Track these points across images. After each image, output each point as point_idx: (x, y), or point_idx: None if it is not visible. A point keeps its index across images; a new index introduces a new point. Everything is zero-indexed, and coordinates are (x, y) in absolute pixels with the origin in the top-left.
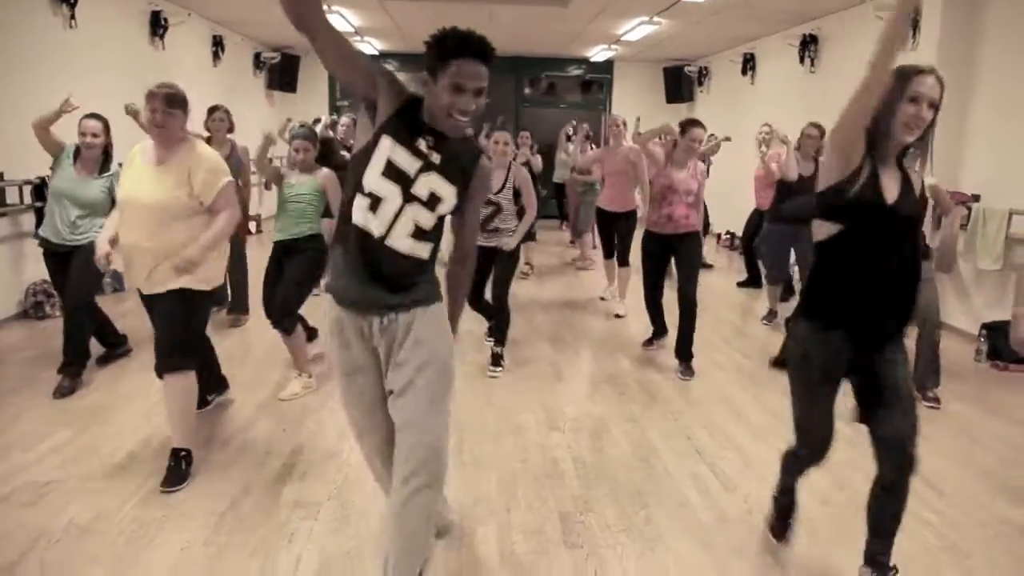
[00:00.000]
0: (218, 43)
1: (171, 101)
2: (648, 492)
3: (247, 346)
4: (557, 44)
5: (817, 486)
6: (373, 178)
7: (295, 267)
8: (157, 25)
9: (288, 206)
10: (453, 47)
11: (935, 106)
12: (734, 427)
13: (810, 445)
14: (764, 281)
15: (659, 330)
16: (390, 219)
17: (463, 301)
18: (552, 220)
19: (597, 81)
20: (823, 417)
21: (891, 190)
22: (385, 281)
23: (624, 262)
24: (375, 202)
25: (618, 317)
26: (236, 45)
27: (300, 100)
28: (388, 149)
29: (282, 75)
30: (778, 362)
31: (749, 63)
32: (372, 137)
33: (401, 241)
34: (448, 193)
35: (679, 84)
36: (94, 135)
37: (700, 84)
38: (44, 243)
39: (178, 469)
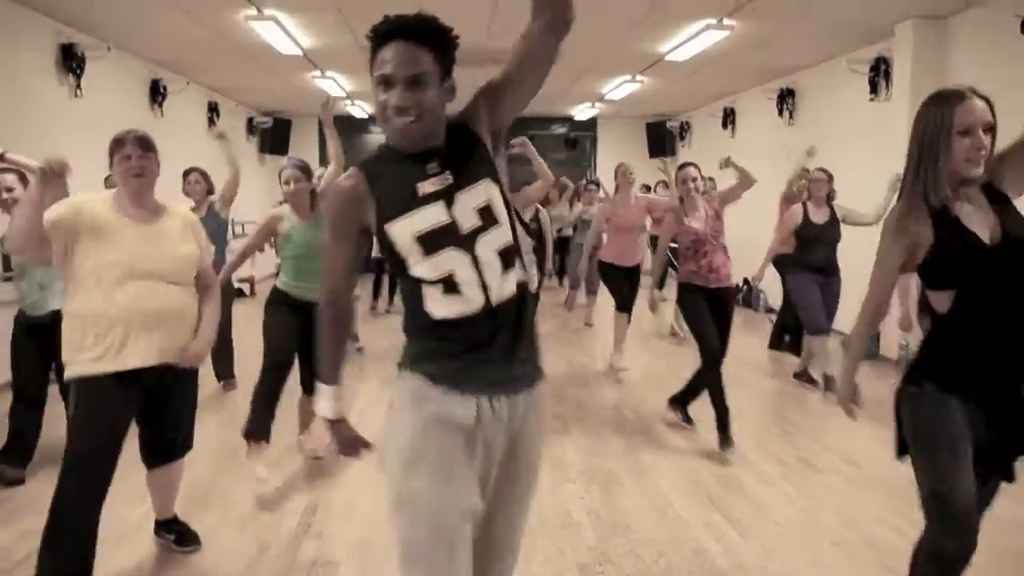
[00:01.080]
0: (213, 109)
1: (146, 144)
2: (664, 541)
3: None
4: (542, 103)
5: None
6: (423, 266)
7: None
8: (156, 92)
9: (301, 263)
10: (374, 37)
11: (992, 128)
12: (742, 473)
13: (959, 530)
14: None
15: (723, 415)
16: (476, 279)
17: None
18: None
19: (581, 138)
20: (968, 492)
21: (984, 229)
22: (510, 347)
23: (627, 310)
24: (448, 282)
25: (621, 370)
26: (230, 111)
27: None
28: (404, 228)
29: (274, 138)
30: (800, 375)
31: (729, 117)
32: (381, 237)
33: (504, 286)
34: (489, 191)
35: (661, 139)
36: (8, 189)
37: (682, 138)
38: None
39: (189, 529)
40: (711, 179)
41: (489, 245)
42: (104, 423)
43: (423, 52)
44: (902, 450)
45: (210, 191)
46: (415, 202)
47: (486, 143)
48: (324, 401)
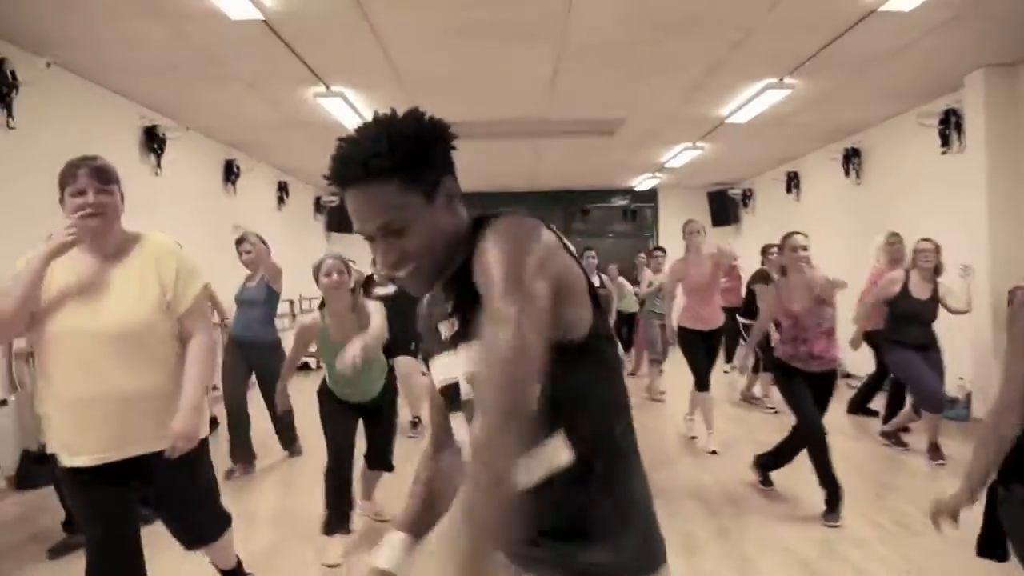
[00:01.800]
0: (283, 188)
1: (104, 175)
2: None
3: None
4: (602, 176)
5: None
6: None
7: (382, 420)
8: (230, 172)
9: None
10: (330, 182)
11: None
12: (835, 537)
13: None
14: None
15: (834, 492)
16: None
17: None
18: None
19: (642, 209)
20: None
21: None
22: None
23: (706, 386)
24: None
25: (714, 454)
26: (299, 190)
27: (357, 240)
28: (434, 373)
29: (341, 217)
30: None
31: (793, 181)
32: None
33: (526, 475)
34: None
35: (724, 207)
36: None
37: (745, 205)
38: None
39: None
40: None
41: None
42: (96, 516)
43: (384, 189)
44: (984, 548)
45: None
46: (440, 344)
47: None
48: (387, 549)
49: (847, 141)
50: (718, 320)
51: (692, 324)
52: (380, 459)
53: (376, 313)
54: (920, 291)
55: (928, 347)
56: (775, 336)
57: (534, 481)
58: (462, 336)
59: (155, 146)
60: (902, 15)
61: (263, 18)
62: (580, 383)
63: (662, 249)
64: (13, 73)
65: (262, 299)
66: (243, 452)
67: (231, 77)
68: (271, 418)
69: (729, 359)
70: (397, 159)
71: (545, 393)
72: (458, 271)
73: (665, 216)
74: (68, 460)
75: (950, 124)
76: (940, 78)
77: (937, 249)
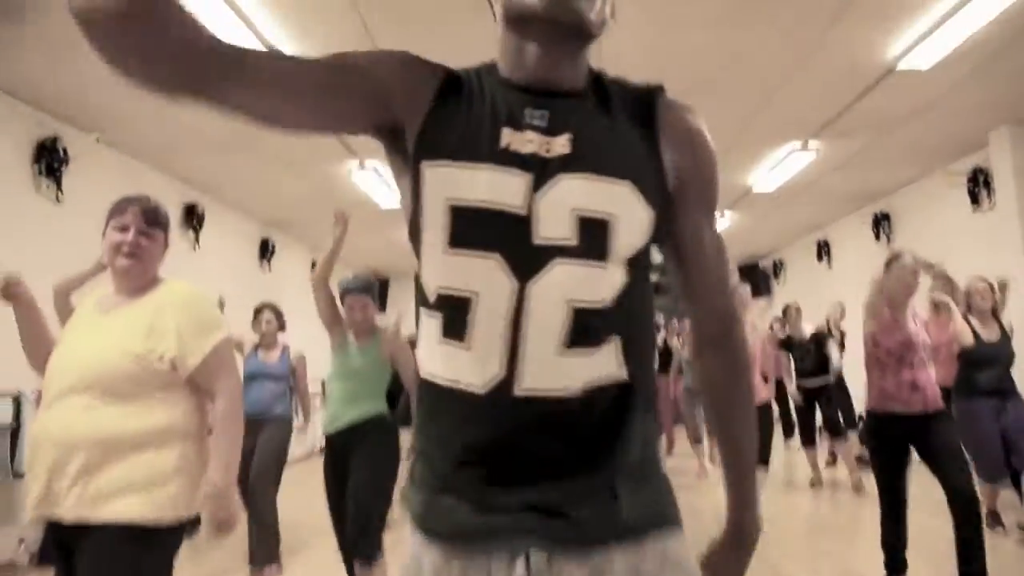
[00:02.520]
0: (315, 266)
1: (152, 217)
2: None
3: None
4: None
5: None
6: (436, 261)
7: (364, 464)
8: (266, 249)
9: (342, 384)
10: None
11: None
12: None
13: None
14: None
15: (898, 566)
16: (502, 335)
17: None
18: None
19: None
20: None
21: None
22: (537, 475)
23: (765, 459)
24: (457, 311)
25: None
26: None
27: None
28: (445, 181)
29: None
30: None
31: (824, 249)
32: (413, 173)
33: (548, 371)
34: (623, 199)
35: (755, 280)
36: None
37: (776, 277)
38: None
39: None
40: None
41: (562, 287)
42: None
43: None
44: None
45: (281, 328)
46: (487, 151)
47: (662, 157)
48: None
49: (876, 205)
50: (762, 394)
51: None
52: (355, 535)
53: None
54: (988, 334)
55: (1007, 394)
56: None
57: (576, 390)
58: (568, 164)
59: (194, 222)
60: (920, 74)
61: None
62: (645, 296)
63: None
64: (65, 150)
65: (281, 374)
66: (266, 551)
67: (270, 154)
68: (248, 516)
69: (788, 434)
70: None
71: (617, 292)
72: (594, 94)
73: None
74: (34, 512)
75: (978, 182)
76: (964, 136)
77: (992, 288)
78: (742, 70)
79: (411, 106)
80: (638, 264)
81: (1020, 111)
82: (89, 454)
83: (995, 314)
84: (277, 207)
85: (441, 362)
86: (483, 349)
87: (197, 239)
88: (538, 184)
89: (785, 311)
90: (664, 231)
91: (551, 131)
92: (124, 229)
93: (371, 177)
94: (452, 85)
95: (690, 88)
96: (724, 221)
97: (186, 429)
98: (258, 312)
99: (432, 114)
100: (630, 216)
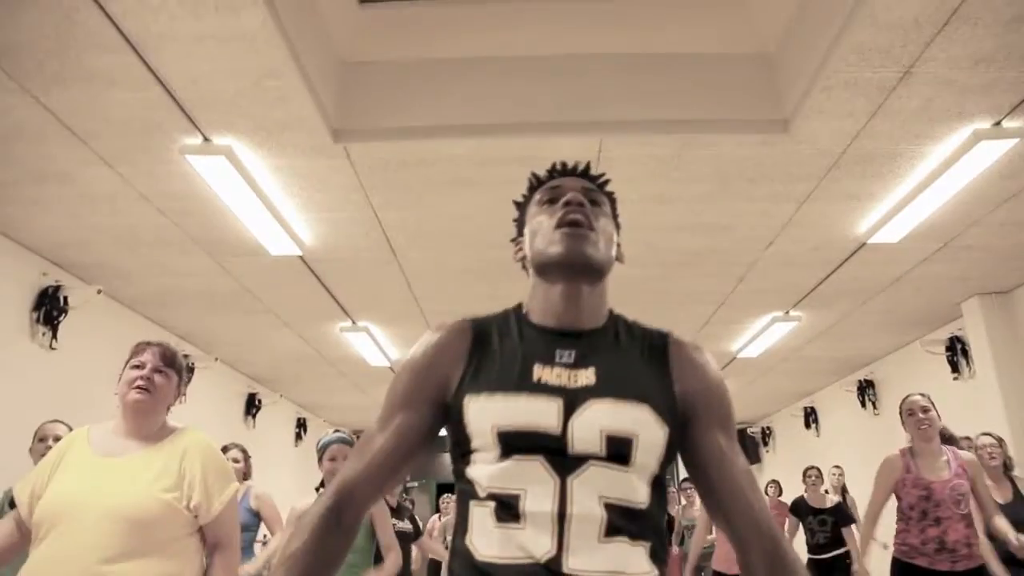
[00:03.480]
0: (301, 425)
1: (169, 359)
2: None
3: None
4: None
5: None
6: (485, 470)
7: None
8: (251, 405)
9: None
10: (541, 177)
11: None
12: None
13: None
14: None
15: None
16: (551, 514)
17: None
18: None
19: None
20: None
21: None
22: None
23: None
24: (507, 503)
25: None
26: (317, 427)
27: None
28: (488, 411)
29: None
30: None
31: (811, 416)
32: (454, 412)
33: (595, 555)
34: (643, 421)
35: (744, 446)
36: (56, 438)
37: (765, 444)
38: None
39: None
40: (837, 467)
41: (595, 485)
42: None
43: (600, 193)
44: None
45: (247, 475)
46: (521, 384)
47: (674, 377)
48: None
49: (860, 373)
50: None
51: (727, 568)
52: None
53: (393, 550)
54: (998, 494)
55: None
56: (867, 532)
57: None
58: (593, 393)
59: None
60: (891, 247)
61: (300, 254)
62: (662, 507)
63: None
64: (66, 299)
65: (243, 520)
66: None
67: (263, 310)
68: None
69: None
70: (611, 193)
71: (647, 502)
72: (610, 334)
73: None
74: None
75: (956, 351)
76: (939, 306)
77: (1001, 443)
78: (723, 243)
79: (452, 378)
80: (659, 483)
81: (989, 282)
82: None
83: (1007, 473)
84: (266, 362)
85: (494, 543)
86: (533, 531)
87: (183, 392)
88: (569, 408)
89: (805, 474)
90: (686, 448)
91: (576, 366)
92: (140, 367)
93: (362, 336)
94: (481, 336)
95: (675, 260)
96: None
97: None
98: (224, 451)
99: (470, 364)
100: (648, 433)
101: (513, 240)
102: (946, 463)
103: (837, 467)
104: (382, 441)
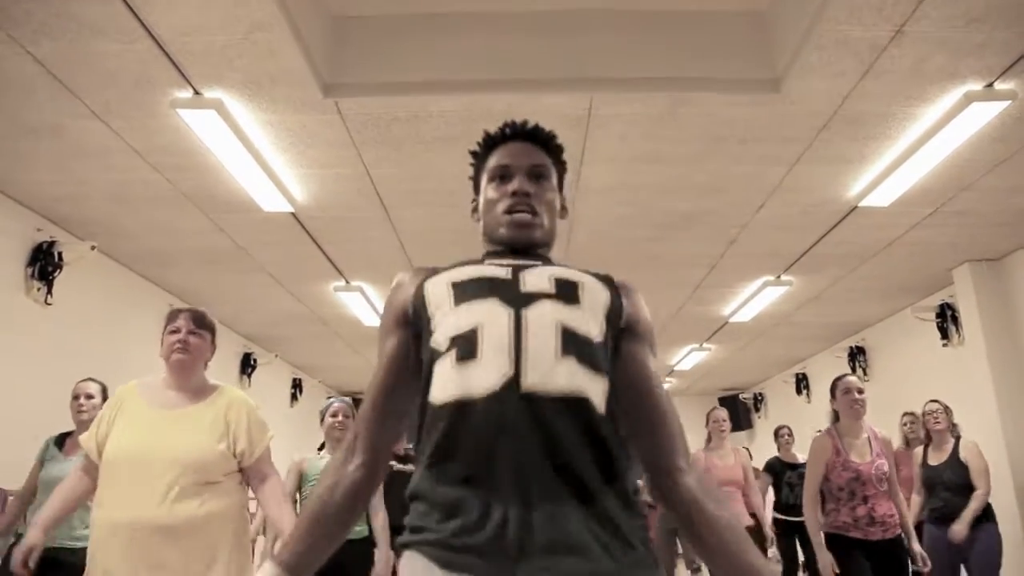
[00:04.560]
0: (297, 385)
1: (199, 320)
2: None
3: None
4: None
5: None
6: (445, 323)
7: None
8: (247, 364)
9: None
10: (487, 140)
11: None
12: None
13: None
14: None
15: None
16: (508, 340)
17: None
18: None
19: None
20: None
21: None
22: (554, 484)
23: None
24: (465, 341)
25: None
26: (312, 387)
27: None
28: (445, 277)
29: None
30: None
31: (802, 382)
32: (417, 296)
33: (556, 372)
34: (587, 280)
35: (736, 412)
36: (88, 396)
37: (757, 410)
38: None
39: None
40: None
41: (550, 314)
42: None
43: (542, 152)
44: None
45: None
46: (473, 264)
47: (620, 305)
48: None
49: (852, 339)
50: (743, 521)
51: None
52: None
53: (380, 511)
54: (936, 456)
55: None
56: (811, 515)
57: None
58: (555, 295)
59: None
60: (882, 210)
61: (292, 210)
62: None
63: None
64: (60, 255)
65: None
66: None
67: (257, 268)
68: None
69: None
70: (556, 148)
71: (601, 336)
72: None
73: None
74: None
75: (946, 318)
76: (930, 273)
77: (947, 410)
78: (714, 205)
79: (414, 287)
80: (606, 338)
81: (980, 249)
82: (182, 534)
83: (951, 435)
84: (261, 322)
85: (453, 383)
86: (493, 357)
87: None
88: (518, 271)
89: (777, 433)
90: (617, 359)
91: (524, 267)
92: (177, 331)
93: (356, 296)
94: (437, 269)
95: (665, 221)
96: (705, 352)
97: (240, 509)
98: None
99: (430, 273)
100: (592, 286)
101: (472, 202)
102: (867, 441)
103: (819, 430)
104: (380, 375)
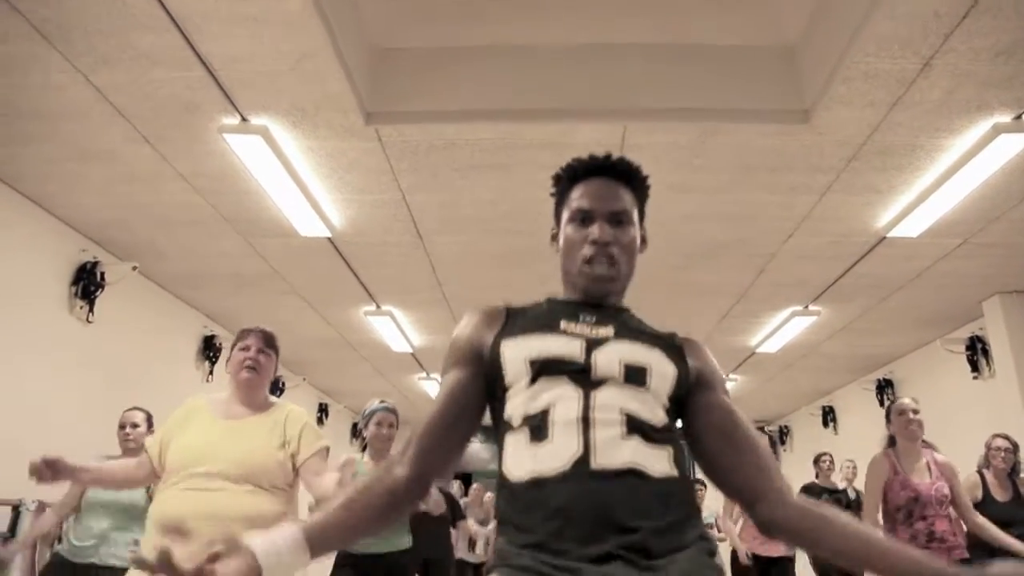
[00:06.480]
0: (323, 410)
1: (269, 340)
2: None
3: None
4: None
5: None
6: (519, 399)
7: None
8: (275, 387)
9: None
10: (566, 175)
11: None
12: None
13: None
14: None
15: None
16: (576, 418)
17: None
18: None
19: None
20: None
21: None
22: (627, 538)
23: None
24: (537, 422)
25: None
26: (338, 412)
27: None
28: (521, 348)
29: None
30: None
31: (829, 415)
32: (492, 358)
33: (616, 450)
34: (655, 359)
35: None
36: (134, 425)
37: (783, 443)
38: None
39: None
40: (850, 461)
41: (615, 397)
42: None
43: (624, 190)
44: None
45: None
46: (548, 330)
47: (685, 354)
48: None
49: (879, 372)
50: (781, 547)
51: (760, 549)
52: None
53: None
54: (1000, 493)
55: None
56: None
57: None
58: (616, 336)
59: (210, 355)
60: (911, 241)
61: (329, 235)
62: (678, 440)
63: (702, 483)
64: (103, 275)
65: None
66: None
67: (290, 292)
68: None
69: None
70: (637, 181)
71: (664, 422)
72: (622, 305)
73: None
74: None
75: (976, 350)
76: (960, 304)
77: (1016, 448)
78: (743, 235)
79: (491, 331)
80: (675, 414)
81: (1010, 281)
82: (236, 528)
83: (1012, 476)
84: (290, 345)
85: (527, 460)
86: (562, 437)
87: (211, 371)
88: (591, 346)
89: (817, 459)
90: (692, 413)
91: (598, 324)
92: (247, 349)
93: (386, 320)
94: (513, 310)
95: (694, 250)
96: (731, 384)
97: (289, 519)
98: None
99: (505, 324)
100: (660, 366)
101: (552, 230)
102: (927, 465)
103: (850, 461)
104: (443, 403)
